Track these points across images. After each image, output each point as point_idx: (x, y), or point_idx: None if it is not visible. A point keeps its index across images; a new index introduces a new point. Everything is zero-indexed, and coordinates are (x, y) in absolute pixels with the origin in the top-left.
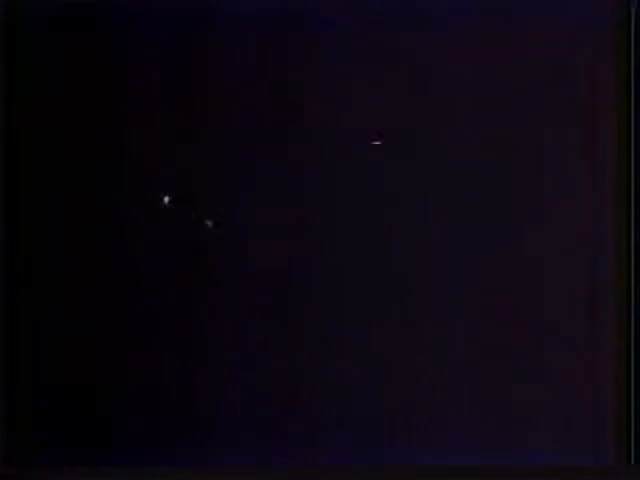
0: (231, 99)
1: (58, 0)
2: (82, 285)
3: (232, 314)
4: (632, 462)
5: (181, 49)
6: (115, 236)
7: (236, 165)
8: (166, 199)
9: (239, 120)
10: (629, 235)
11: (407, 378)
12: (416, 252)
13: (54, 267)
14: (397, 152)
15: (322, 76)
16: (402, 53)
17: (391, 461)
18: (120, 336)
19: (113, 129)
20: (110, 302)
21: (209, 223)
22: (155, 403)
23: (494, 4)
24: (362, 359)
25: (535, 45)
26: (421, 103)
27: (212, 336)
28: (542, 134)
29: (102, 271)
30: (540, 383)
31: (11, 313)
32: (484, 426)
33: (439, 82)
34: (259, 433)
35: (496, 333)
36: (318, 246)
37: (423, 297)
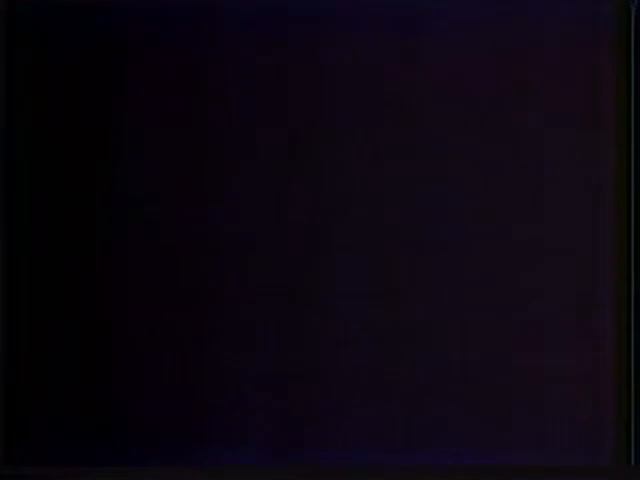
0: (233, 97)
1: (58, 1)
2: (82, 284)
3: (233, 319)
4: (632, 462)
5: (183, 50)
6: (115, 237)
7: (240, 167)
8: None
9: (243, 123)
10: (629, 235)
11: (406, 384)
12: (416, 252)
13: (54, 267)
14: (397, 156)
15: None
16: (404, 56)
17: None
18: (121, 336)
19: (114, 130)
20: (110, 302)
21: None
22: (156, 403)
23: (493, 4)
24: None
25: (535, 45)
26: (420, 103)
27: (213, 338)
28: (542, 134)
29: (102, 271)
30: (540, 383)
31: (11, 313)
32: (483, 426)
33: (437, 82)
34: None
35: (496, 333)
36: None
37: (422, 297)
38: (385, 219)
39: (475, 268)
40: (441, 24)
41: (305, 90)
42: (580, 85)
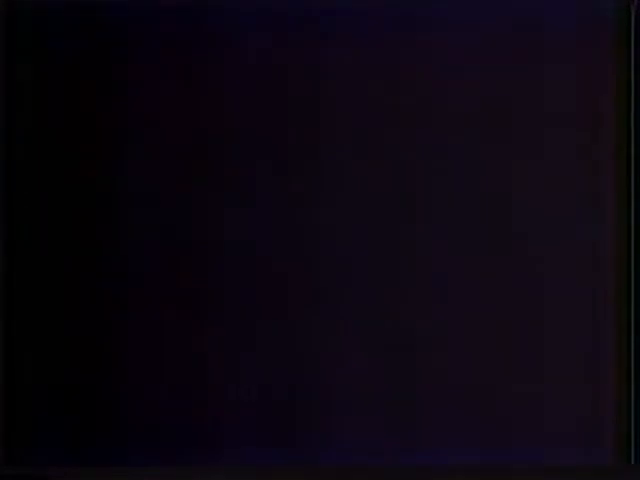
0: (235, 100)
1: (58, 1)
2: (82, 284)
3: (234, 319)
4: (632, 462)
5: (183, 50)
6: (115, 236)
7: (238, 168)
8: None
9: (243, 122)
10: (629, 235)
11: (406, 380)
12: (416, 253)
13: (54, 267)
14: (395, 156)
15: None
16: (403, 54)
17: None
18: (121, 335)
19: (114, 130)
20: (110, 301)
21: None
22: (156, 403)
23: (494, 4)
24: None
25: (535, 45)
26: (420, 103)
27: (213, 338)
28: (542, 134)
29: (102, 271)
30: (540, 383)
31: (11, 312)
32: (483, 426)
33: (436, 82)
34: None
35: (496, 332)
36: (318, 248)
37: (422, 296)
38: (385, 219)
39: (474, 268)
40: (440, 24)
41: (305, 90)
42: (580, 85)
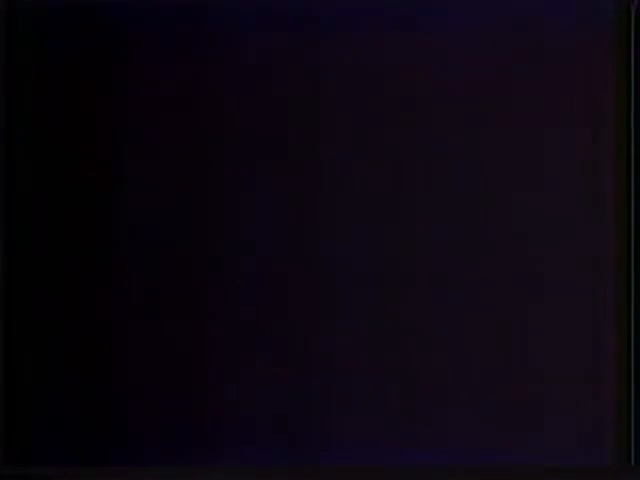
0: (235, 100)
1: (58, 1)
2: (82, 284)
3: (234, 319)
4: (632, 462)
5: (183, 50)
6: (115, 237)
7: (239, 167)
8: None
9: (242, 121)
10: (629, 235)
11: (406, 380)
12: (416, 253)
13: (54, 267)
14: (397, 152)
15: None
16: (402, 52)
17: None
18: (121, 335)
19: (114, 130)
20: (110, 301)
21: None
22: (156, 403)
23: (494, 4)
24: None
25: (535, 45)
26: (420, 101)
27: (213, 338)
28: (541, 134)
29: (103, 271)
30: (540, 383)
31: (11, 312)
32: (483, 426)
33: (436, 82)
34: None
35: (496, 332)
36: (317, 247)
37: (422, 296)
38: (385, 219)
39: (474, 268)
40: (440, 24)
41: (305, 93)
42: (580, 85)
